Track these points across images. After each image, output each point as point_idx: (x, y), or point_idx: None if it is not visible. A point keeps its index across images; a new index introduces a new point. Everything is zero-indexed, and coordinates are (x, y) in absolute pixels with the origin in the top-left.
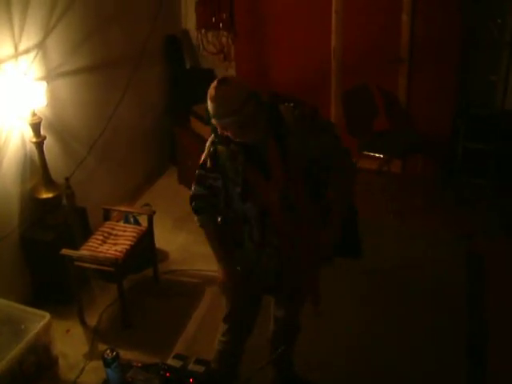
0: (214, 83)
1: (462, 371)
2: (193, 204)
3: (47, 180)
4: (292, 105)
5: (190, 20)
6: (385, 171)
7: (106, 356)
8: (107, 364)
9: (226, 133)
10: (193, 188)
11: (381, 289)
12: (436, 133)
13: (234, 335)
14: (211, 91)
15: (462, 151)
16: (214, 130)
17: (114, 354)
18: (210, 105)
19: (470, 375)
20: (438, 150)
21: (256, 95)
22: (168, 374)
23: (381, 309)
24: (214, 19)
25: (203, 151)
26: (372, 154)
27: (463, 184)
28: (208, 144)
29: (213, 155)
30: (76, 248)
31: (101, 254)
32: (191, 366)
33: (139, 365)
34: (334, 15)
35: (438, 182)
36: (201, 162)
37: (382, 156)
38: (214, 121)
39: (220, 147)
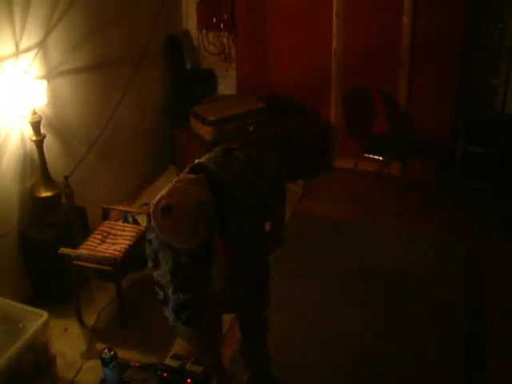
0: (158, 213)
1: (460, 372)
2: (184, 316)
3: (47, 178)
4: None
5: (190, 20)
6: (384, 174)
7: (103, 355)
8: (105, 363)
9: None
10: (174, 296)
11: (380, 290)
12: (436, 136)
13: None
14: (157, 223)
15: (462, 154)
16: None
17: (112, 353)
18: (160, 234)
19: (468, 377)
20: (438, 152)
21: (204, 205)
22: (166, 374)
23: (380, 310)
24: (214, 20)
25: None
26: (372, 156)
27: (463, 187)
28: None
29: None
30: (75, 247)
31: (99, 254)
32: (189, 366)
33: (137, 365)
34: (334, 18)
35: (437, 185)
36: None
37: (381, 158)
38: (166, 243)
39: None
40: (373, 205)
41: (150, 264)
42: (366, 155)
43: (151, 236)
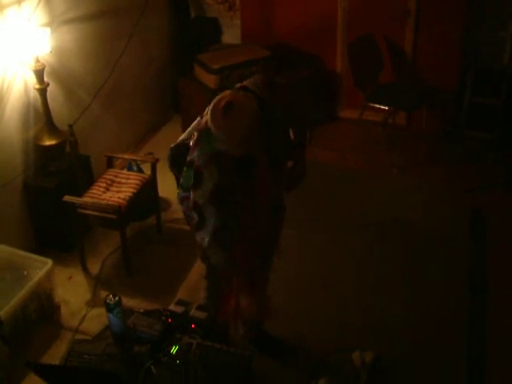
0: (220, 108)
1: (464, 324)
2: (220, 237)
3: (50, 127)
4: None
5: None
6: (390, 124)
7: (108, 301)
8: (109, 309)
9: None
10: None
11: (383, 240)
12: (442, 86)
13: (214, 292)
14: (218, 119)
15: (469, 105)
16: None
17: (117, 299)
18: (217, 133)
19: (471, 326)
20: (444, 103)
21: (257, 113)
22: (170, 320)
23: (383, 259)
24: None
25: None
26: (377, 105)
27: (469, 138)
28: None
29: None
30: (79, 195)
31: (103, 201)
32: (193, 312)
33: (141, 311)
34: None
35: (443, 136)
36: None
37: (387, 108)
38: (219, 145)
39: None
40: (378, 155)
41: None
42: (372, 105)
43: (195, 155)
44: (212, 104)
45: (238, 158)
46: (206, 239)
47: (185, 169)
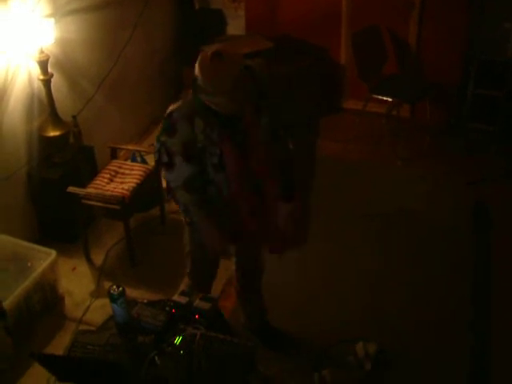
0: (207, 56)
1: (467, 310)
2: (195, 184)
3: (54, 118)
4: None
5: None
6: (393, 115)
7: (112, 291)
8: (113, 299)
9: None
10: (181, 168)
11: (387, 231)
12: (446, 78)
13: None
14: (205, 66)
15: (472, 98)
16: (198, 102)
17: (120, 289)
18: (202, 80)
19: (474, 323)
20: (448, 95)
21: (248, 68)
22: (174, 310)
23: (387, 250)
24: None
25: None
26: (381, 97)
27: (472, 130)
28: (178, 114)
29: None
30: (83, 186)
31: (107, 192)
32: (197, 303)
33: (145, 301)
34: None
35: (447, 128)
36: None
37: (391, 100)
38: (203, 96)
39: (197, 119)
40: (381, 146)
41: (163, 132)
42: (376, 96)
43: (175, 106)
44: (201, 54)
45: (224, 117)
46: (173, 183)
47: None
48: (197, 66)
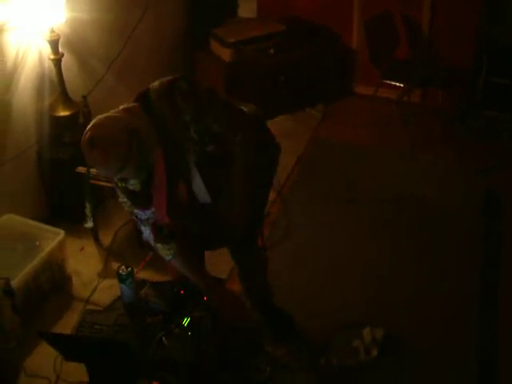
0: (85, 146)
1: (475, 302)
2: (164, 232)
3: (65, 98)
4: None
5: None
6: (405, 101)
7: (120, 272)
8: (121, 280)
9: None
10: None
11: (397, 217)
12: (459, 64)
13: None
14: (87, 157)
15: (484, 84)
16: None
17: (129, 269)
18: (90, 166)
19: (482, 310)
20: (460, 82)
21: (134, 133)
22: (182, 292)
23: (397, 236)
24: None
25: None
26: (393, 82)
27: (484, 118)
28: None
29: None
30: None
31: None
32: None
33: (153, 282)
34: None
35: (458, 115)
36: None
37: (402, 85)
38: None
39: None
40: (392, 132)
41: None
42: (387, 82)
43: None
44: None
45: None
46: (150, 239)
47: None
48: (83, 153)
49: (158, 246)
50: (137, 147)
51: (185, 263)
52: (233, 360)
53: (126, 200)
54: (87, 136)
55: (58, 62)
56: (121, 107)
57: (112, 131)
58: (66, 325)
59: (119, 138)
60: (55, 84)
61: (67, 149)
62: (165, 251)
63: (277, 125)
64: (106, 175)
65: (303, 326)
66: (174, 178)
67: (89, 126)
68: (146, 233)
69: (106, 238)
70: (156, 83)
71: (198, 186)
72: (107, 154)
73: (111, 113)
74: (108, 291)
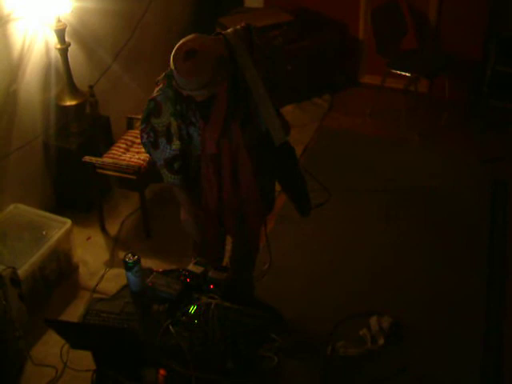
0: (181, 55)
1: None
2: (175, 165)
3: (71, 87)
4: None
5: None
6: (411, 91)
7: (127, 260)
8: (128, 268)
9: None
10: (164, 148)
11: (402, 206)
12: (466, 54)
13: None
14: (179, 65)
15: (492, 74)
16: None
17: (136, 257)
18: (177, 77)
19: (489, 304)
20: (468, 71)
21: (222, 58)
22: (188, 280)
23: (402, 226)
24: None
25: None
26: (399, 72)
27: (492, 108)
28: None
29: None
30: (99, 156)
31: (123, 162)
32: (212, 273)
33: (160, 270)
34: None
35: (465, 105)
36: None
37: (409, 75)
38: (180, 89)
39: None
40: (399, 121)
41: (149, 112)
42: (394, 72)
43: (157, 91)
44: (176, 46)
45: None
46: (159, 162)
47: (147, 102)
48: (171, 62)
49: (164, 171)
50: (222, 74)
51: (180, 193)
52: (239, 349)
53: (163, 127)
54: (187, 46)
55: (64, 51)
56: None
57: (208, 49)
58: (73, 314)
59: (213, 60)
60: (61, 74)
61: (74, 138)
62: (169, 177)
63: (284, 114)
64: (185, 87)
65: (310, 314)
66: (233, 112)
67: (187, 38)
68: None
69: (113, 228)
70: (229, 30)
71: (271, 116)
72: (200, 68)
73: (201, 35)
74: (114, 280)
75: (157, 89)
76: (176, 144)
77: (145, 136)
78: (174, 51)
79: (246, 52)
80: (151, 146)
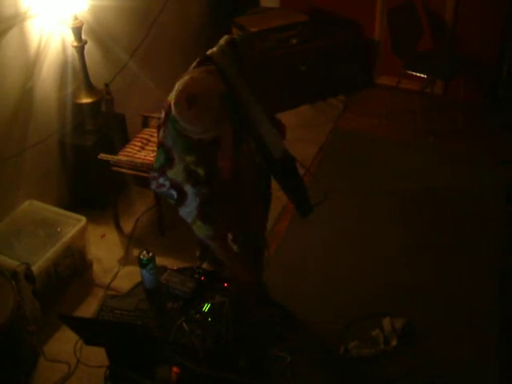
0: (183, 103)
1: (495, 298)
2: (208, 210)
3: (87, 85)
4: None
5: None
6: (427, 92)
7: (141, 257)
8: (142, 265)
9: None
10: (195, 189)
11: (417, 208)
12: (482, 56)
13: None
14: (184, 114)
15: (508, 76)
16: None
17: (150, 255)
18: (183, 124)
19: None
20: (484, 73)
21: (223, 95)
22: (203, 278)
23: (416, 228)
24: None
25: None
26: (415, 73)
27: (506, 109)
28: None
29: None
30: (114, 154)
31: (138, 160)
32: (226, 271)
33: (174, 268)
34: None
35: (481, 107)
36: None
37: (424, 76)
38: (182, 131)
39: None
40: (414, 123)
41: (162, 164)
42: (410, 73)
43: (161, 135)
44: (175, 93)
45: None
46: (190, 217)
47: (157, 150)
48: (173, 107)
49: (198, 224)
50: (226, 110)
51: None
52: (252, 348)
53: (183, 173)
54: (187, 92)
55: (80, 49)
56: (193, 70)
57: (210, 92)
58: (86, 310)
59: (216, 100)
60: (78, 71)
61: (90, 136)
62: (204, 230)
63: (298, 115)
64: (192, 131)
65: (323, 314)
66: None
67: (186, 82)
68: (185, 211)
69: (128, 225)
70: (214, 49)
71: (269, 132)
72: (204, 112)
73: (197, 74)
74: (128, 278)
75: (160, 132)
76: (201, 175)
77: (154, 183)
78: (174, 98)
79: (236, 71)
80: (179, 202)
